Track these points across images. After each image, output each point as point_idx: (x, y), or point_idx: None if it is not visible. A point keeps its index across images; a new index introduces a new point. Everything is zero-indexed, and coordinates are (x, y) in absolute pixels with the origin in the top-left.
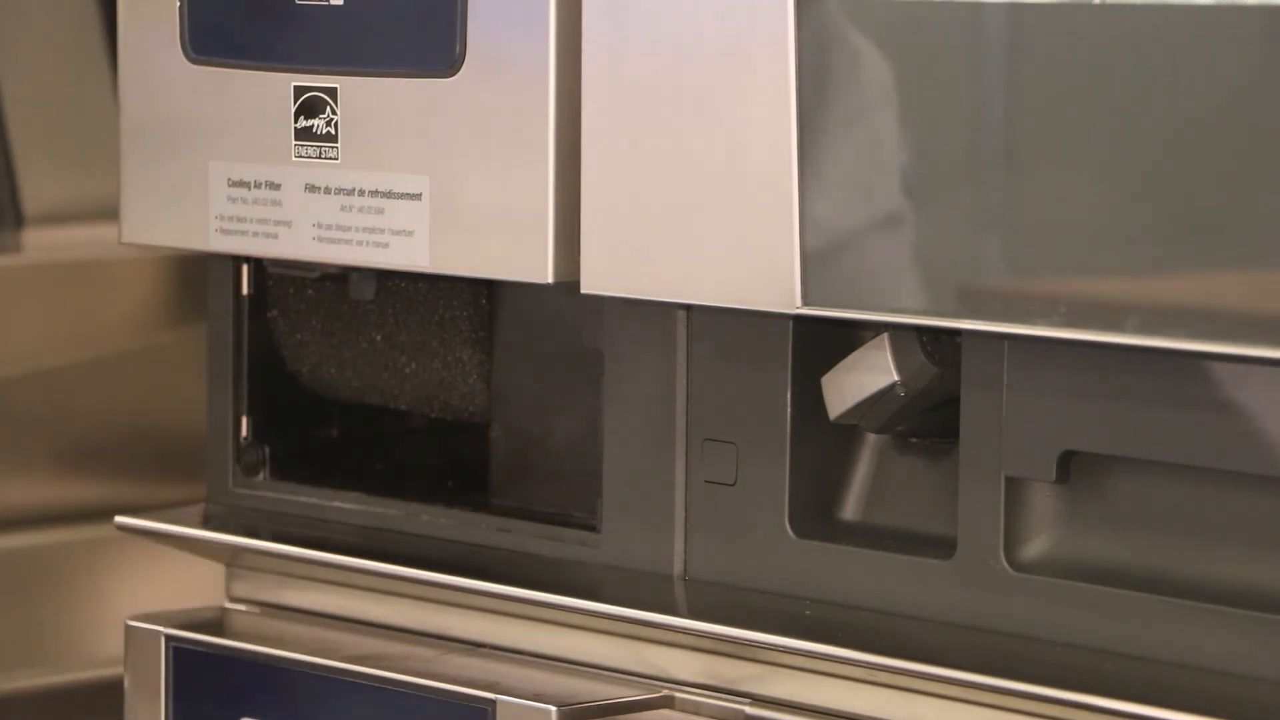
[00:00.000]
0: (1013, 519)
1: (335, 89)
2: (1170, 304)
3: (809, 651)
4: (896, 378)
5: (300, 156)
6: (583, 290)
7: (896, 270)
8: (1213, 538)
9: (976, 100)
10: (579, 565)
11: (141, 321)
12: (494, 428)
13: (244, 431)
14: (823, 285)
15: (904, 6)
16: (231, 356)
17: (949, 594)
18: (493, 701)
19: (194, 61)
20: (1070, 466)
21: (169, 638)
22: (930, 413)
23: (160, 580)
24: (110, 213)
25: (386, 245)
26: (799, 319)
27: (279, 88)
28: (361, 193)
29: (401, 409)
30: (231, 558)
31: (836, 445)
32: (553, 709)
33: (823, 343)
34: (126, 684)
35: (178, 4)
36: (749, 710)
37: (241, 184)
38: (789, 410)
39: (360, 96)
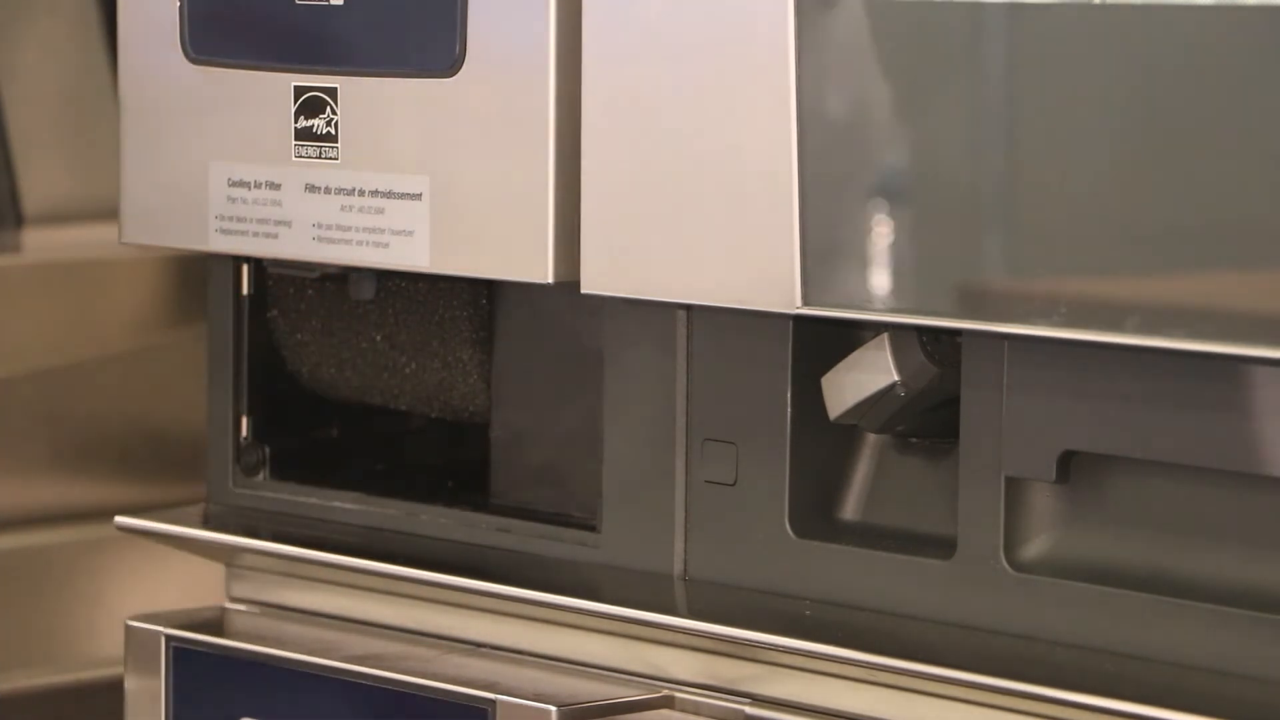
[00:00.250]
0: (1013, 519)
1: (335, 89)
2: (1170, 304)
3: (809, 651)
4: (896, 378)
5: (300, 156)
6: (583, 290)
7: (896, 270)
8: (1213, 538)
9: (976, 100)
10: (579, 565)
11: (141, 321)
12: (494, 428)
13: (244, 431)
14: (823, 285)
15: (904, 6)
16: (231, 356)
17: (949, 594)
18: (493, 701)
19: (194, 61)
20: (1070, 466)
21: (169, 638)
22: (930, 413)
23: (160, 580)
24: (110, 213)
25: (386, 245)
26: (799, 319)
27: (279, 88)
28: (361, 193)
29: (401, 409)
30: (231, 558)
31: (836, 445)
32: (553, 709)
33: (823, 343)
34: (126, 684)
35: (178, 4)
36: (749, 710)
37: (241, 184)
38: (789, 410)
39: (360, 96)
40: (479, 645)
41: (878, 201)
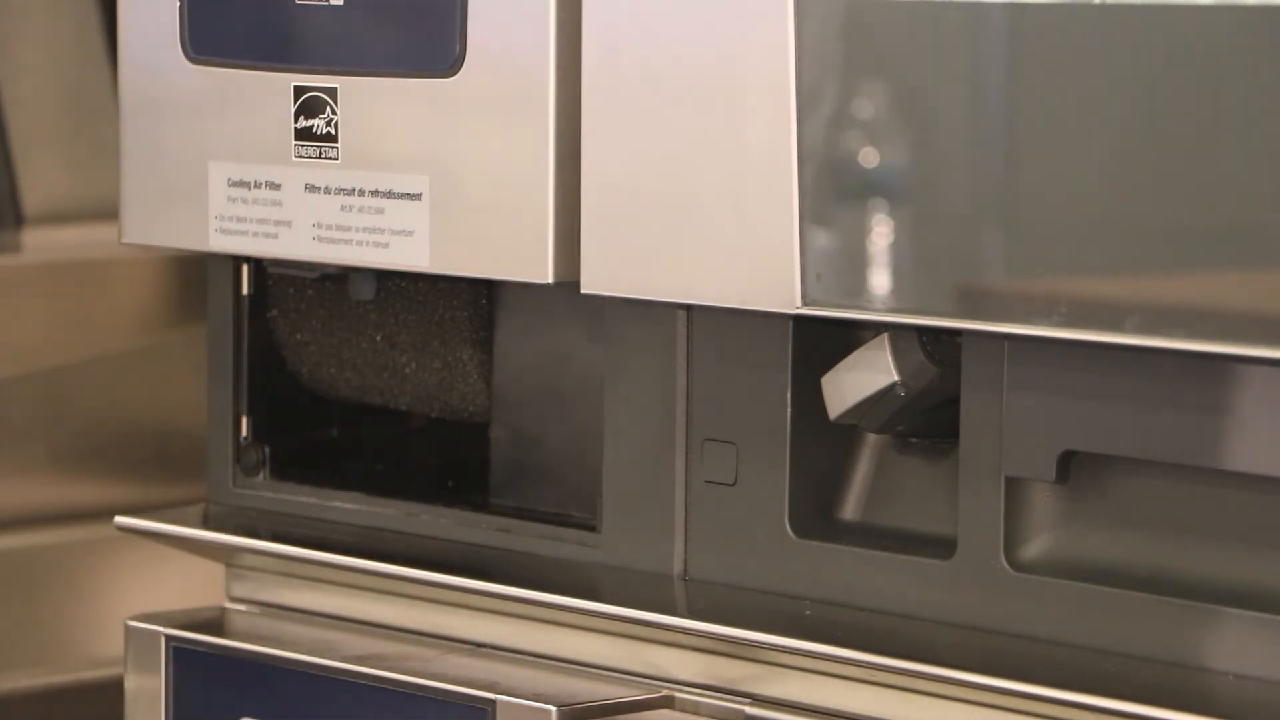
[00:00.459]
0: (1013, 519)
1: (335, 89)
2: (1170, 304)
3: (809, 651)
4: (896, 378)
5: (300, 156)
6: (583, 290)
7: (896, 270)
8: (1213, 538)
9: (976, 100)
10: (579, 565)
11: (141, 321)
12: (494, 428)
13: (244, 431)
14: (823, 285)
15: (904, 6)
16: (231, 356)
17: (949, 594)
18: (493, 701)
19: (194, 61)
20: (1070, 466)
21: (169, 638)
22: (930, 413)
23: (160, 580)
24: (110, 213)
25: (386, 245)
26: (799, 319)
27: (279, 88)
28: (361, 193)
29: (401, 409)
30: (231, 558)
31: (836, 445)
32: (553, 709)
33: (823, 343)
34: (126, 684)
35: (178, 4)
36: (749, 710)
37: (241, 184)
38: (789, 410)
39: (360, 96)
40: (479, 645)
41: (878, 201)
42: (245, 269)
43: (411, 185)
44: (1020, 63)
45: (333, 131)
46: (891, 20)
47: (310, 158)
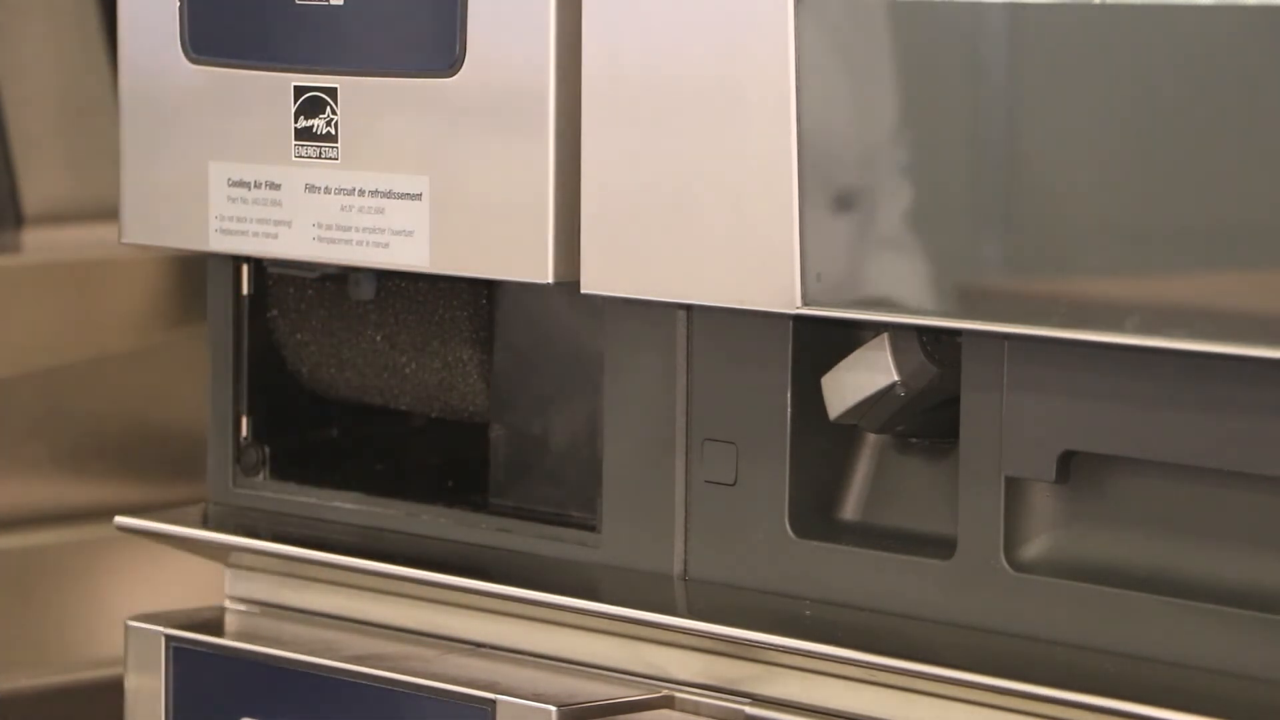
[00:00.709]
0: (1013, 519)
1: (335, 89)
2: (1170, 304)
3: (809, 651)
4: (896, 378)
5: (300, 156)
6: (583, 290)
7: (896, 270)
8: (1213, 538)
9: (976, 100)
10: (579, 565)
11: (141, 321)
12: (494, 428)
13: (244, 431)
14: (822, 285)
15: (904, 6)
16: (231, 356)
17: (949, 594)
18: (493, 701)
19: (194, 61)
20: (1070, 466)
21: (169, 638)
22: (930, 413)
23: (160, 580)
24: (110, 213)
25: (386, 245)
26: (799, 319)
27: (279, 88)
28: (361, 193)
29: (401, 409)
30: (231, 558)
31: (836, 445)
32: (553, 709)
33: (823, 343)
34: (126, 684)
35: (178, 4)
36: (749, 710)
37: (241, 184)
38: (789, 410)
39: (360, 96)
40: (479, 645)
41: (877, 201)
42: (245, 269)
43: (411, 185)
44: (1020, 63)
45: (333, 131)
46: (891, 20)
47: (310, 158)
